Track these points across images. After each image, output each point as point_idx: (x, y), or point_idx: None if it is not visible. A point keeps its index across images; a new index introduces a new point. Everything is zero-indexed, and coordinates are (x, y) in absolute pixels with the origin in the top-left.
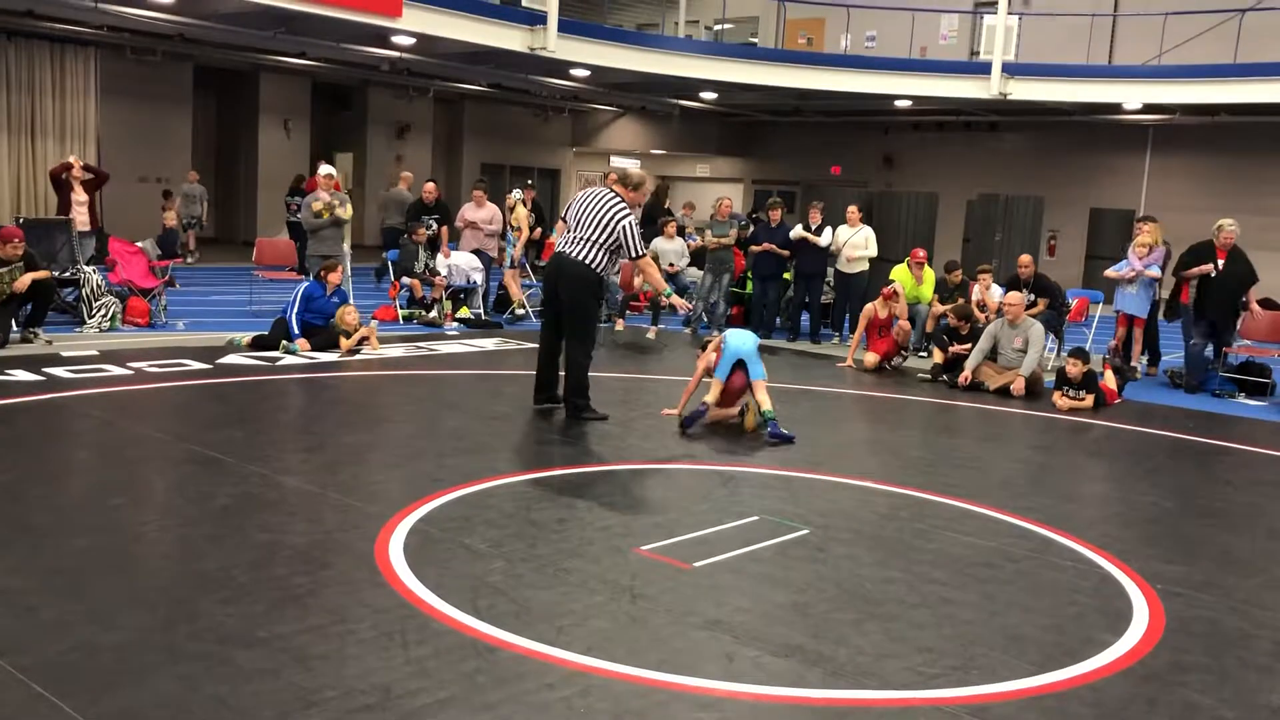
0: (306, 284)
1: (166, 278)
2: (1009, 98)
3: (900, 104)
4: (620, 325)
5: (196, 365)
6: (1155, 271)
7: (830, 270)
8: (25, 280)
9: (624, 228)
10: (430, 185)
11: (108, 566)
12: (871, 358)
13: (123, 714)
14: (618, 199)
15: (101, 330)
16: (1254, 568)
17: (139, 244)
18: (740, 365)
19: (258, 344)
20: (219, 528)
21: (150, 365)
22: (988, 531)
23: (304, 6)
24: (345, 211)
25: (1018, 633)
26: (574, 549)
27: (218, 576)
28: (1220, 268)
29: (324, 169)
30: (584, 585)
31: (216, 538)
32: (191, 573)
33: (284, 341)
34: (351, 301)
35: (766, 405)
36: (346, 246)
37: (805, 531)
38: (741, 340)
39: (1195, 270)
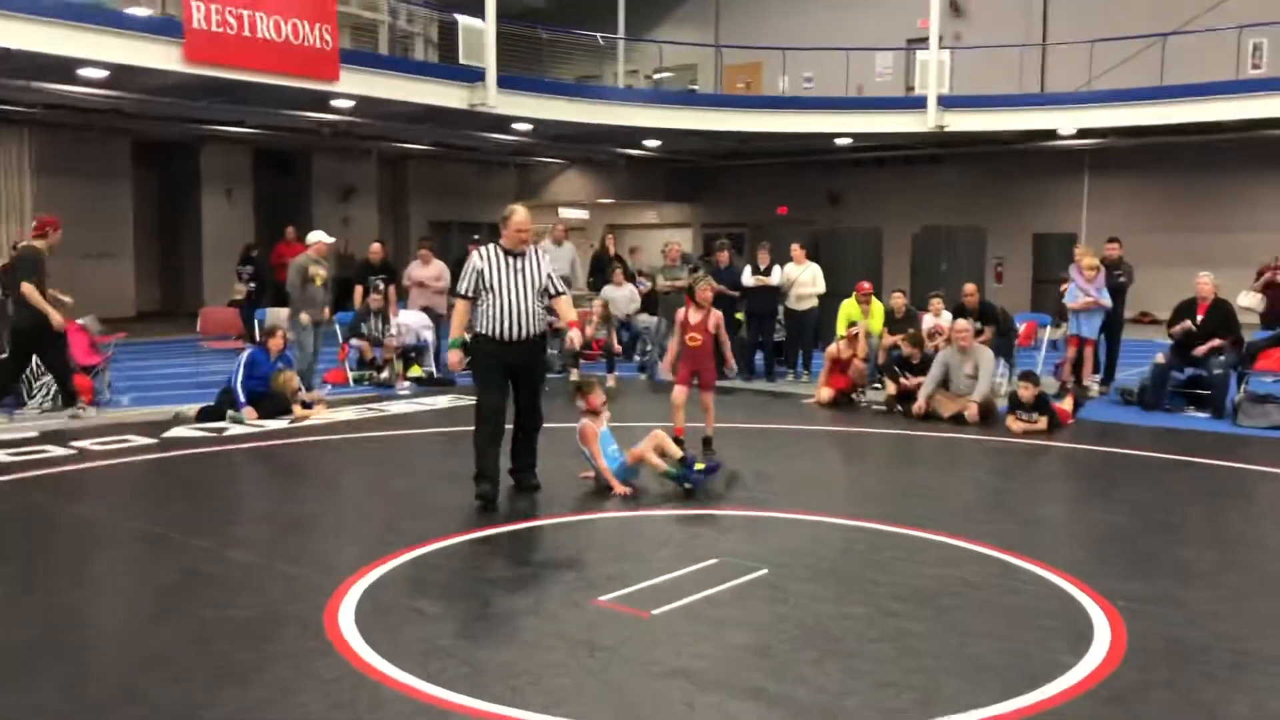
0: (250, 351)
1: (109, 354)
2: (946, 129)
3: (841, 142)
4: (575, 375)
5: (141, 441)
6: (1105, 300)
7: (780, 309)
8: None
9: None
10: (376, 246)
11: (45, 653)
12: (827, 393)
13: None
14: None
15: (43, 410)
16: (1210, 579)
17: (79, 320)
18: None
19: (204, 415)
20: (161, 607)
21: (93, 444)
22: (946, 560)
23: (239, 75)
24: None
25: (980, 661)
26: (529, 605)
27: (159, 656)
28: (1198, 322)
29: (318, 235)
30: (539, 642)
31: (158, 617)
32: (132, 654)
33: (230, 411)
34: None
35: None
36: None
37: (764, 571)
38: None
39: (1178, 329)
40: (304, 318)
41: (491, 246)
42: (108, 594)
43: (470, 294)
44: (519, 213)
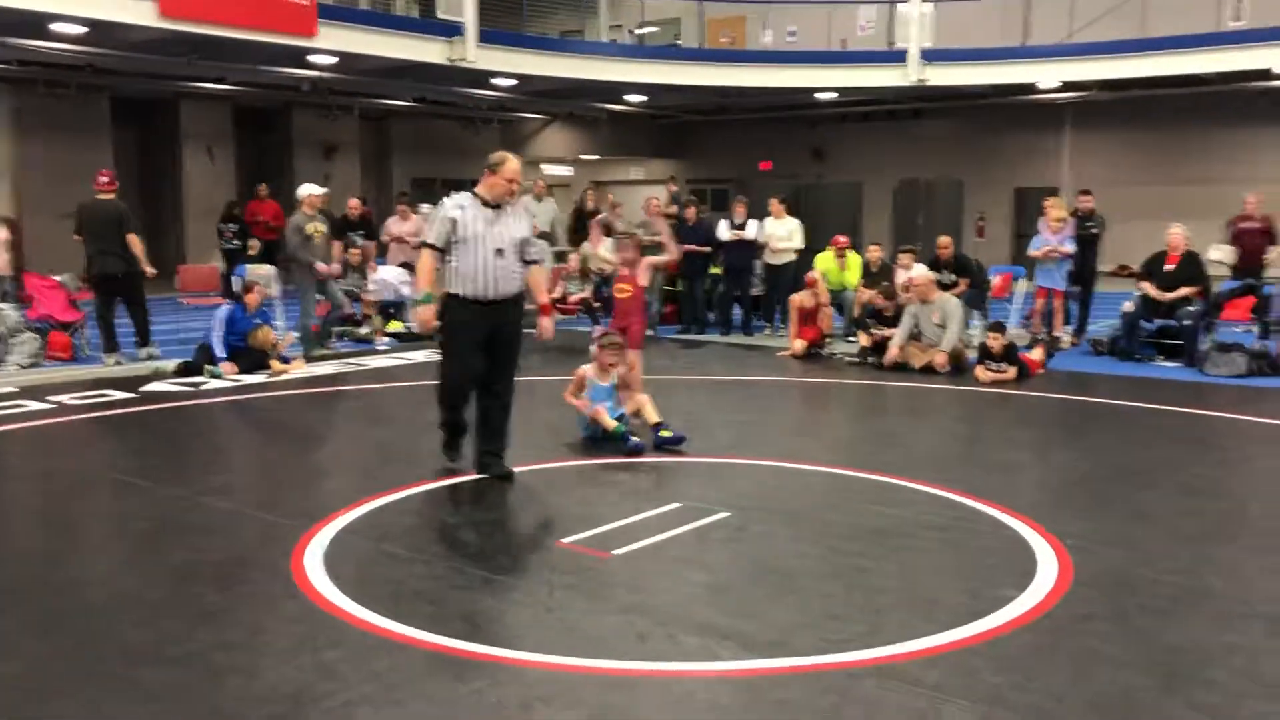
0: (228, 307)
1: (87, 311)
2: (928, 83)
3: (824, 96)
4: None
5: (120, 395)
6: (1069, 247)
7: (758, 263)
8: None
9: (530, 227)
10: (354, 201)
11: (19, 596)
12: (799, 344)
13: None
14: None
15: (22, 367)
16: (1163, 521)
17: (57, 278)
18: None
19: (183, 370)
20: (135, 551)
21: (72, 398)
22: (904, 502)
23: (215, 30)
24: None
25: (928, 596)
26: (495, 547)
27: (131, 599)
28: (1168, 273)
29: (309, 188)
30: (502, 581)
31: (131, 561)
32: (104, 596)
33: (208, 366)
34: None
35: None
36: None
37: (725, 514)
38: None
39: (1145, 287)
40: (323, 268)
41: (466, 195)
42: (82, 540)
43: (440, 244)
44: (512, 161)
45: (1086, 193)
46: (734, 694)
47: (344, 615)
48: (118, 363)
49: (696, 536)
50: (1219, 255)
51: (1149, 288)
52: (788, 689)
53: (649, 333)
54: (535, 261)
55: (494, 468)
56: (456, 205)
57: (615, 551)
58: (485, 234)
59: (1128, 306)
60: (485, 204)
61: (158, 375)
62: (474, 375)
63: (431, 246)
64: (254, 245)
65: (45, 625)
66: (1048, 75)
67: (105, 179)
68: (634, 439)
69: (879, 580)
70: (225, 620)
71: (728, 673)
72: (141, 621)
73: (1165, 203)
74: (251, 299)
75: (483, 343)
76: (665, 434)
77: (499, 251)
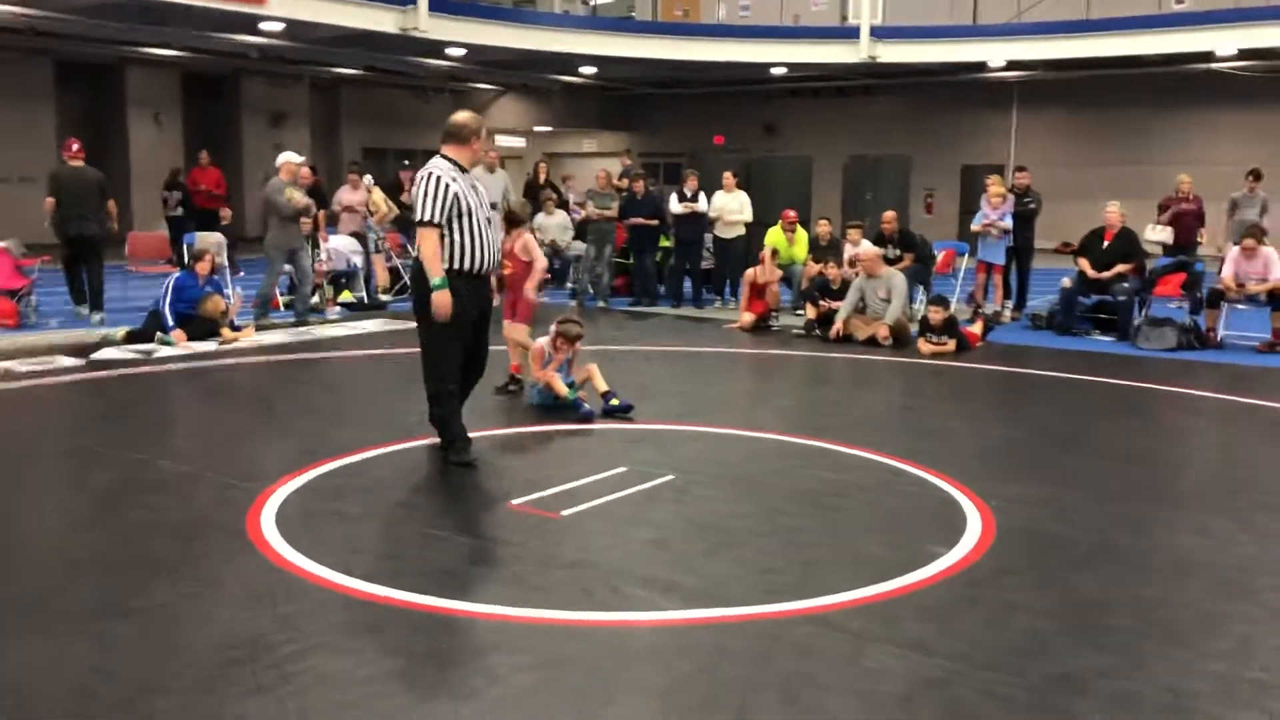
0: (178, 275)
1: (34, 277)
2: (878, 60)
3: (776, 71)
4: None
5: (69, 362)
6: (1007, 223)
7: (709, 236)
8: None
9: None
10: (305, 170)
11: None
12: (748, 318)
13: None
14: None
15: None
16: (1087, 484)
17: (2, 243)
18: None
19: (132, 338)
20: (93, 512)
21: (19, 365)
22: (840, 467)
23: None
24: (353, 198)
25: (858, 552)
26: (448, 508)
27: (91, 555)
28: (1104, 249)
29: (289, 156)
30: (454, 540)
31: (90, 521)
32: (64, 553)
33: (158, 334)
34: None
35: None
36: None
37: (670, 477)
38: None
39: (1081, 264)
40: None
41: (444, 162)
42: (39, 501)
43: (441, 220)
44: (479, 124)
45: (1023, 169)
46: (673, 640)
47: (301, 572)
48: (102, 321)
49: (642, 498)
50: (1156, 236)
51: (1085, 265)
52: (724, 636)
53: (599, 304)
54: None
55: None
56: (450, 176)
57: (564, 512)
58: (476, 204)
59: (1066, 282)
60: (462, 171)
61: (106, 342)
62: (463, 351)
63: (435, 225)
64: (225, 214)
65: (4, 578)
66: (996, 54)
67: (76, 146)
68: (585, 406)
69: (813, 538)
70: (183, 574)
71: (668, 622)
72: (101, 576)
73: (1107, 181)
74: (201, 267)
75: (473, 316)
76: (614, 402)
77: (489, 221)
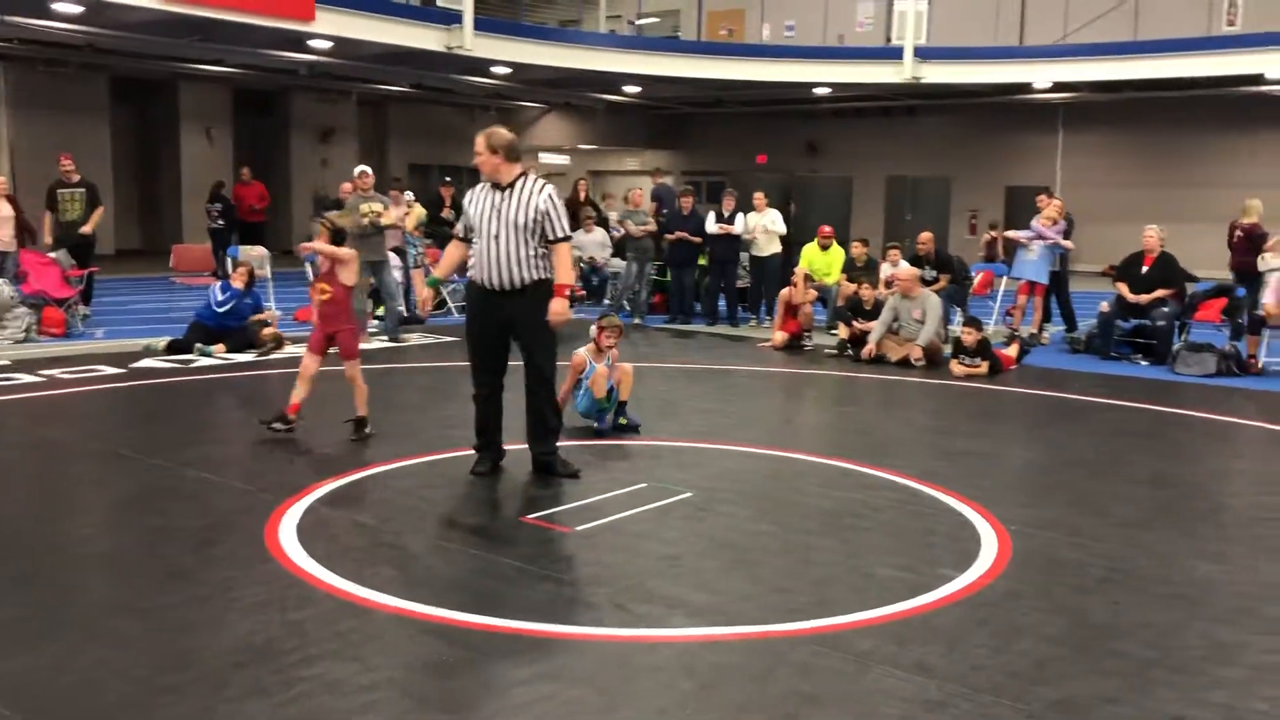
0: (219, 286)
1: (82, 286)
2: (922, 81)
3: (819, 91)
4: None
5: (110, 370)
6: (1058, 237)
7: (744, 255)
8: None
9: (548, 203)
10: (347, 185)
11: (7, 553)
12: (781, 336)
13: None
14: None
15: (15, 342)
16: (1103, 509)
17: (51, 254)
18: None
19: (173, 348)
20: (116, 516)
21: (63, 372)
22: (861, 487)
23: (213, 13)
24: (389, 216)
25: (871, 573)
26: (462, 521)
27: (108, 557)
28: (1144, 274)
29: (358, 169)
30: (464, 551)
31: (112, 524)
32: (83, 555)
33: (198, 344)
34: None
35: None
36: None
37: (688, 495)
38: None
39: (1120, 288)
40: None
41: (482, 183)
42: (65, 504)
43: (460, 234)
44: (479, 138)
45: (1052, 194)
46: (674, 657)
47: (313, 580)
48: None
49: (658, 515)
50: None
51: (1124, 288)
52: (726, 654)
53: (635, 320)
54: (558, 239)
55: (546, 462)
56: (472, 192)
57: (578, 527)
58: (490, 218)
59: (1104, 306)
60: (495, 187)
61: (148, 352)
62: (484, 363)
63: (456, 236)
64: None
65: (29, 579)
66: (1041, 75)
67: (70, 162)
68: (607, 419)
69: (827, 557)
70: (197, 579)
71: (671, 638)
72: (118, 578)
73: (1154, 204)
74: (236, 278)
75: (496, 332)
76: (622, 421)
77: (496, 237)
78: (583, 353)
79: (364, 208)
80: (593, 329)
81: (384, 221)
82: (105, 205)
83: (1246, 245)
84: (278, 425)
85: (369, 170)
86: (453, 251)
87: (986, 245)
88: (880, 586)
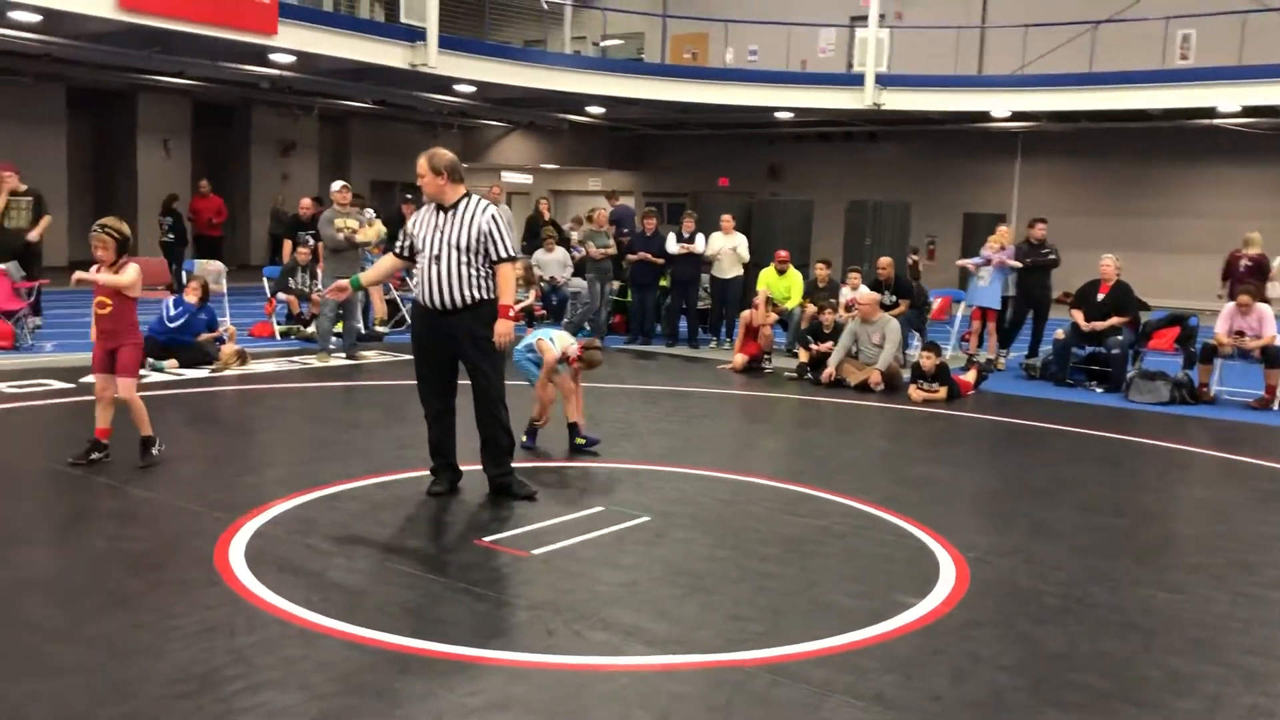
0: (172, 300)
1: (31, 299)
2: (883, 108)
3: (781, 115)
4: None
5: (58, 385)
6: (1010, 259)
7: (705, 277)
8: None
9: (490, 224)
10: (307, 201)
11: None
12: (741, 359)
13: None
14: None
15: None
16: (1061, 536)
17: (1, 266)
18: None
19: None
20: (58, 538)
21: (9, 386)
22: (818, 512)
23: (173, 25)
24: (364, 234)
25: (828, 601)
26: (416, 544)
27: (47, 581)
28: (1099, 301)
29: (335, 185)
30: (421, 575)
31: (53, 546)
32: (20, 579)
33: (150, 359)
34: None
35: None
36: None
37: (646, 519)
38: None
39: (1075, 315)
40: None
41: (427, 204)
42: (5, 525)
43: (398, 251)
44: (420, 159)
45: (1042, 221)
46: (631, 687)
47: (261, 604)
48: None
49: (615, 539)
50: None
51: (1079, 316)
52: (684, 683)
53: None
54: (501, 259)
55: (501, 485)
56: (418, 213)
57: (534, 551)
58: (432, 239)
59: (1059, 333)
60: (439, 208)
61: None
62: (431, 384)
63: (394, 252)
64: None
65: None
66: (1000, 104)
67: (13, 171)
68: (538, 433)
69: (785, 585)
70: (140, 604)
71: (627, 667)
72: (56, 603)
73: (1109, 234)
74: (189, 293)
75: (436, 351)
76: (579, 440)
77: (437, 258)
78: (555, 352)
79: (338, 222)
80: (575, 347)
81: (359, 239)
82: (58, 216)
83: (1256, 274)
84: (94, 455)
85: (348, 185)
86: (384, 263)
87: (910, 268)
88: (838, 614)
